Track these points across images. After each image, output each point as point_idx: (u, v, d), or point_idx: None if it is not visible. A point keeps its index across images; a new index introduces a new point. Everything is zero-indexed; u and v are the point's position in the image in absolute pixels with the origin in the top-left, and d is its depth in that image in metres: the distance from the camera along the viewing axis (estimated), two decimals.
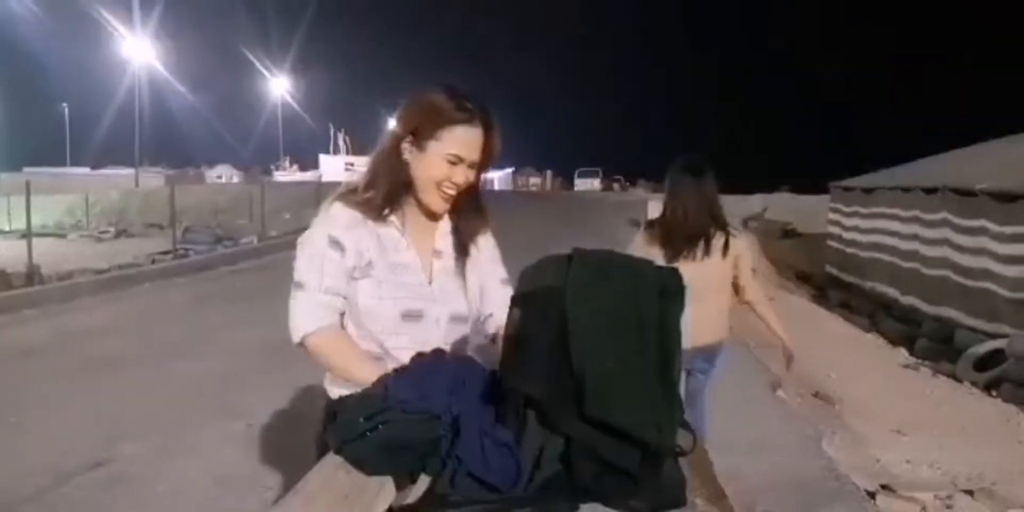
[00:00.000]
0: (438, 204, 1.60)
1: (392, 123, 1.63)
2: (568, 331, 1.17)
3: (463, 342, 1.68)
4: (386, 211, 1.58)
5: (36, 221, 11.28)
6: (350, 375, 1.54)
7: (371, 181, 1.60)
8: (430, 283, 1.62)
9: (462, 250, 1.67)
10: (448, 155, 1.54)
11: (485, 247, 1.73)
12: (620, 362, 1.15)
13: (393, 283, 1.58)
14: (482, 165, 1.60)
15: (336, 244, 1.55)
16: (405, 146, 1.57)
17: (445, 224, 1.68)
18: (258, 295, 9.34)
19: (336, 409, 1.42)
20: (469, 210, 1.67)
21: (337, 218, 1.57)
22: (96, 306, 8.62)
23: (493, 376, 1.33)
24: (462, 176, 1.57)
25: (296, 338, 1.58)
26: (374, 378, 1.41)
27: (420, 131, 1.55)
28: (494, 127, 1.57)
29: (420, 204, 1.61)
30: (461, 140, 1.54)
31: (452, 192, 1.58)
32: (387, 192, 1.58)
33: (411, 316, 1.58)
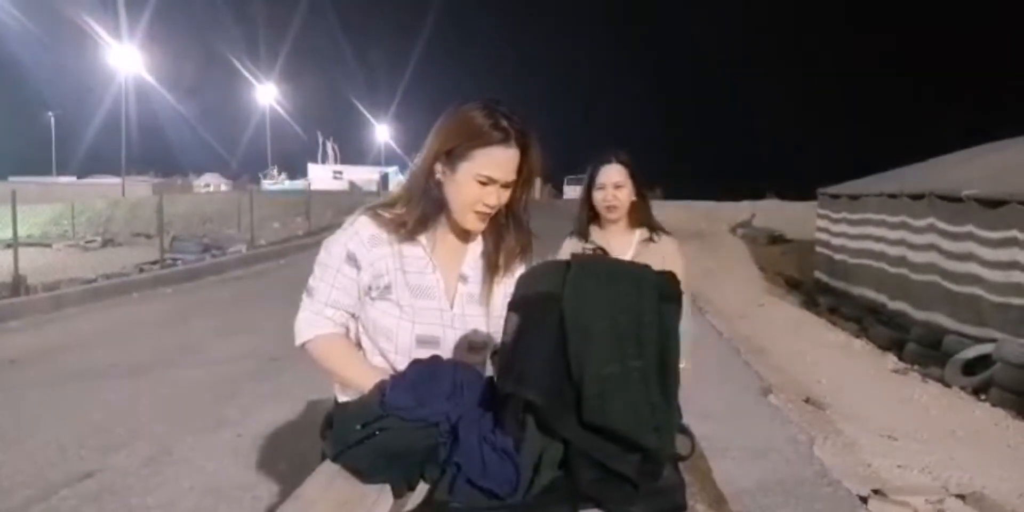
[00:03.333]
0: (473, 224, 1.53)
1: (428, 139, 1.53)
2: (567, 336, 1.16)
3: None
4: (416, 231, 1.53)
5: (22, 231, 11.18)
6: (349, 381, 1.53)
7: (405, 199, 1.55)
8: (451, 308, 1.56)
9: (491, 274, 1.59)
10: (479, 176, 1.46)
11: (519, 272, 1.57)
12: (619, 367, 1.15)
13: (412, 306, 1.53)
14: (521, 185, 1.53)
15: (353, 260, 1.52)
16: (438, 166, 1.50)
17: (476, 246, 1.61)
18: (247, 304, 9.30)
19: (334, 416, 1.40)
20: (507, 231, 1.59)
21: (360, 233, 1.52)
22: (83, 316, 8.55)
23: (492, 382, 1.32)
24: (494, 197, 1.49)
25: (297, 342, 1.58)
26: (372, 384, 1.40)
27: (453, 150, 1.47)
28: (532, 146, 1.49)
29: (454, 224, 1.55)
30: (494, 161, 1.46)
31: (488, 212, 1.51)
32: (421, 213, 1.52)
33: (426, 342, 1.54)
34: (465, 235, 1.58)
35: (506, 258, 1.60)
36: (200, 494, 3.57)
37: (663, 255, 2.62)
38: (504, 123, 1.45)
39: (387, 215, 1.54)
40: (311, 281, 1.57)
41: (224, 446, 4.20)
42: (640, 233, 2.72)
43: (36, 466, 3.89)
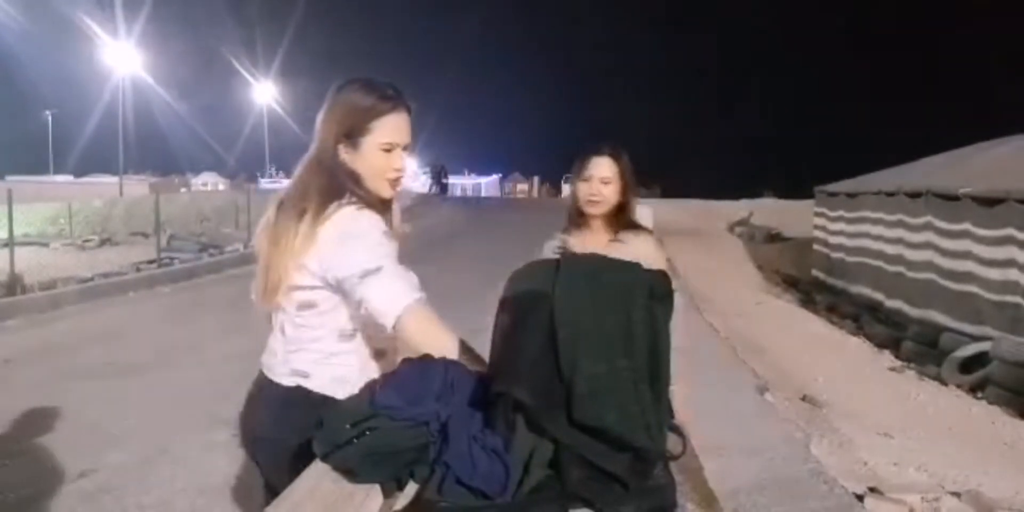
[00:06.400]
0: (388, 192, 1.64)
1: (321, 130, 1.62)
2: (557, 335, 1.16)
3: None
4: (381, 209, 1.61)
5: (18, 230, 11.15)
6: (444, 346, 1.45)
7: (338, 189, 1.56)
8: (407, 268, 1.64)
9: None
10: (383, 144, 1.59)
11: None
12: (609, 366, 1.15)
13: (406, 275, 1.56)
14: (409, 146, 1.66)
15: (391, 239, 1.55)
16: (340, 148, 1.60)
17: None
18: (244, 303, 9.18)
19: (323, 415, 1.39)
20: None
21: (377, 220, 1.54)
22: (79, 315, 8.53)
23: (482, 381, 1.32)
24: (400, 160, 1.63)
25: (398, 311, 1.44)
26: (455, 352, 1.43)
27: (351, 130, 1.59)
28: (411, 108, 1.63)
29: (372, 196, 1.61)
30: (391, 127, 1.60)
31: (398, 176, 1.64)
32: (366, 192, 1.59)
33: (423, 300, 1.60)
34: (385, 202, 1.66)
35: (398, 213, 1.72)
36: (195, 493, 3.56)
37: (636, 256, 2.26)
38: (389, 92, 1.60)
39: (362, 205, 1.57)
40: (367, 264, 1.46)
41: (219, 446, 4.18)
42: (612, 234, 2.46)
43: (31, 465, 3.88)
